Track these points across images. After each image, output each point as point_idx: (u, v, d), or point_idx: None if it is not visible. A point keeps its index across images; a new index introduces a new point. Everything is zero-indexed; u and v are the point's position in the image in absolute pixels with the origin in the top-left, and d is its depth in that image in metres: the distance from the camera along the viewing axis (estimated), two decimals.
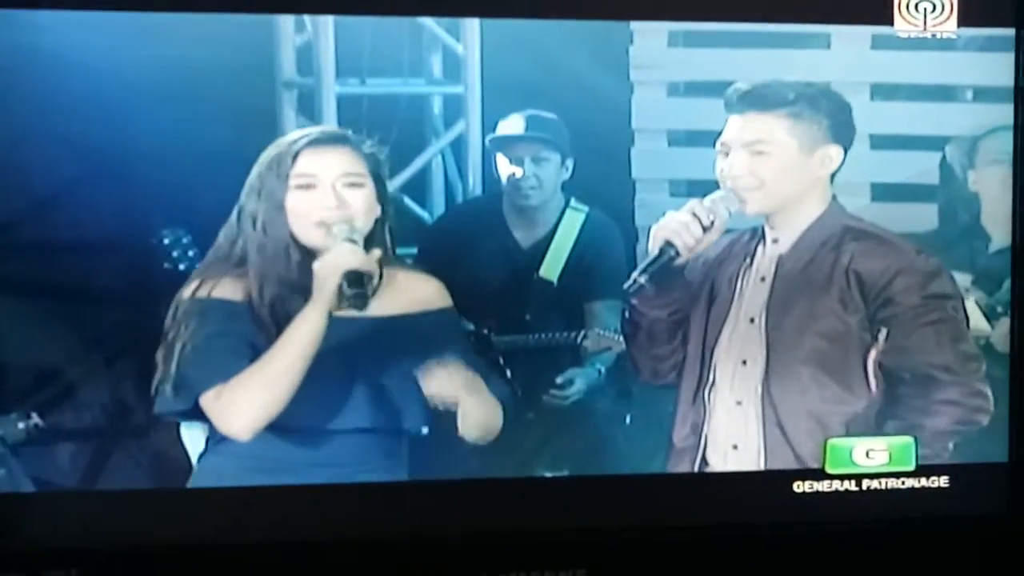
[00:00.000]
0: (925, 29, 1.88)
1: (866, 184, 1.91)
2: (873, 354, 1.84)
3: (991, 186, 1.93)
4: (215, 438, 1.76)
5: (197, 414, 1.74)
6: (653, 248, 1.82)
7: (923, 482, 1.92)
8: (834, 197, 1.86)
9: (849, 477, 1.90)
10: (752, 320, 1.86)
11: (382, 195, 1.78)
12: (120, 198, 1.79)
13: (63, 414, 1.80)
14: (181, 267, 1.84)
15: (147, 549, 1.80)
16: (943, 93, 1.90)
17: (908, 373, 1.84)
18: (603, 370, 1.94)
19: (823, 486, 1.90)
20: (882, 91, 1.89)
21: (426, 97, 1.94)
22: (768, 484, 1.89)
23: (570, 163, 1.94)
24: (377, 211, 1.78)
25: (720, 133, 1.85)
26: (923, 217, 1.92)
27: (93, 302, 1.79)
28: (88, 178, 1.78)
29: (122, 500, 1.81)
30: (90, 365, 1.80)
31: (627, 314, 1.88)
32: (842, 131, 1.84)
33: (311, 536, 1.83)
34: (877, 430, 1.87)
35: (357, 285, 1.69)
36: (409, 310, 1.79)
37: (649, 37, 1.89)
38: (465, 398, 1.76)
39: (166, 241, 1.84)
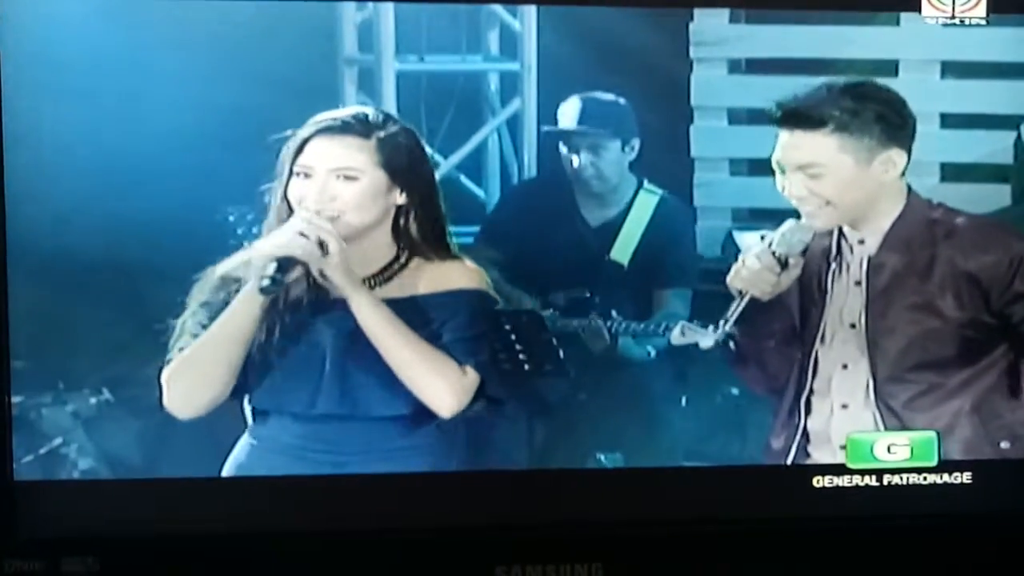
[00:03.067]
0: (954, 16, 1.81)
1: (935, 164, 1.85)
2: None
3: None
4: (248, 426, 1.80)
5: None
6: (734, 295, 1.79)
7: (945, 478, 1.86)
8: (910, 189, 1.80)
9: (870, 472, 1.86)
10: (853, 325, 1.82)
11: (405, 182, 1.76)
12: (186, 176, 1.81)
13: (132, 390, 1.84)
14: (246, 244, 1.88)
15: (168, 538, 1.83)
16: (1018, 70, 1.82)
17: None
18: (653, 352, 1.92)
19: (843, 481, 1.86)
20: (953, 69, 1.82)
21: (483, 74, 1.93)
22: (788, 479, 1.87)
23: (635, 143, 1.91)
24: (395, 199, 1.77)
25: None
26: (995, 197, 1.85)
27: (160, 279, 1.82)
28: (154, 157, 1.81)
29: (142, 488, 1.83)
30: (157, 342, 1.82)
31: (734, 349, 1.84)
32: (898, 129, 1.77)
33: (329, 526, 1.84)
34: None
35: (277, 271, 1.70)
36: (428, 291, 1.78)
37: (710, 14, 1.84)
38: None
39: (231, 218, 1.87)
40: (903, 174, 1.79)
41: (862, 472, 1.86)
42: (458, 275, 1.79)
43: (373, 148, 1.75)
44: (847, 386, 1.83)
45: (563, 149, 1.93)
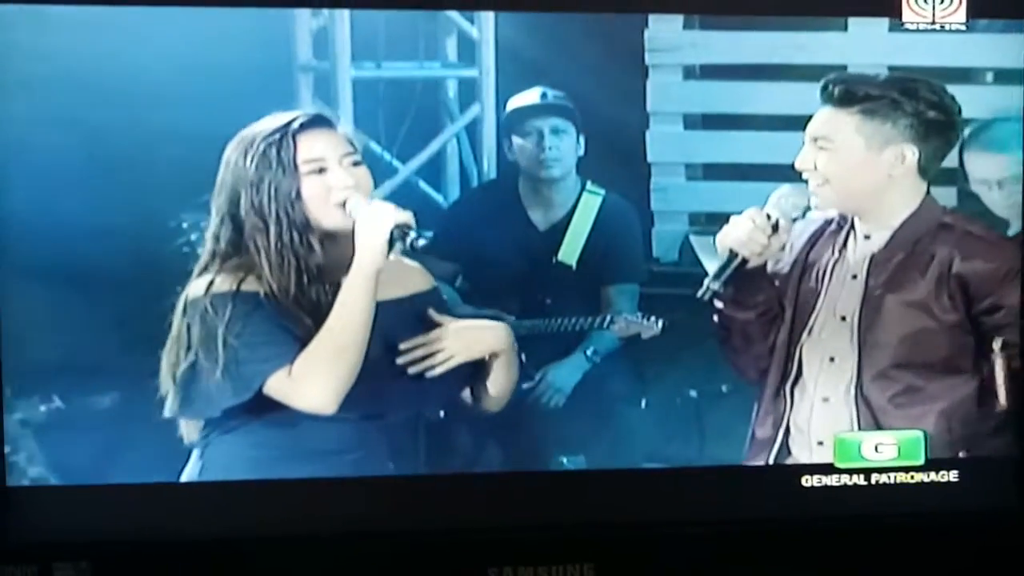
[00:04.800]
0: (934, 21, 1.86)
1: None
2: (998, 364, 1.83)
3: (999, 174, 1.90)
4: (223, 427, 1.74)
5: (255, 405, 1.71)
6: (721, 255, 1.79)
7: (932, 476, 1.90)
8: (928, 192, 1.81)
9: (858, 471, 1.89)
10: (844, 318, 1.83)
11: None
12: (138, 182, 1.80)
13: (85, 398, 1.81)
14: (199, 251, 1.86)
15: (159, 542, 1.81)
16: (962, 75, 1.87)
17: None
18: (595, 354, 1.94)
19: (832, 480, 1.89)
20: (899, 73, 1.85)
21: (441, 81, 1.94)
22: (777, 478, 1.88)
23: (583, 140, 1.93)
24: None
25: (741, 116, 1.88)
26: (942, 199, 1.86)
27: (111, 285, 1.80)
28: (107, 162, 1.79)
29: (134, 493, 1.81)
30: (110, 349, 1.81)
31: (716, 318, 1.84)
32: (930, 130, 1.78)
33: (321, 529, 1.83)
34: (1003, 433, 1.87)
35: (411, 230, 1.68)
36: (407, 292, 1.77)
37: (664, 20, 1.88)
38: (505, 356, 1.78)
39: (184, 225, 1.85)
40: (923, 174, 1.80)
41: (850, 471, 1.89)
42: (413, 275, 1.79)
43: (348, 140, 1.73)
44: (831, 379, 1.84)
45: (522, 134, 1.94)
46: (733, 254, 1.76)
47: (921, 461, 1.88)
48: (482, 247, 1.92)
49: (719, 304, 1.82)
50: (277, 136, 1.68)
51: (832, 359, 1.83)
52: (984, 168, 1.90)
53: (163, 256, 1.81)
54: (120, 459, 1.81)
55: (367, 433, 1.76)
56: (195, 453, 1.77)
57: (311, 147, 1.69)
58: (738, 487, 1.89)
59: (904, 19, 1.86)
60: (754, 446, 1.89)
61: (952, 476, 1.90)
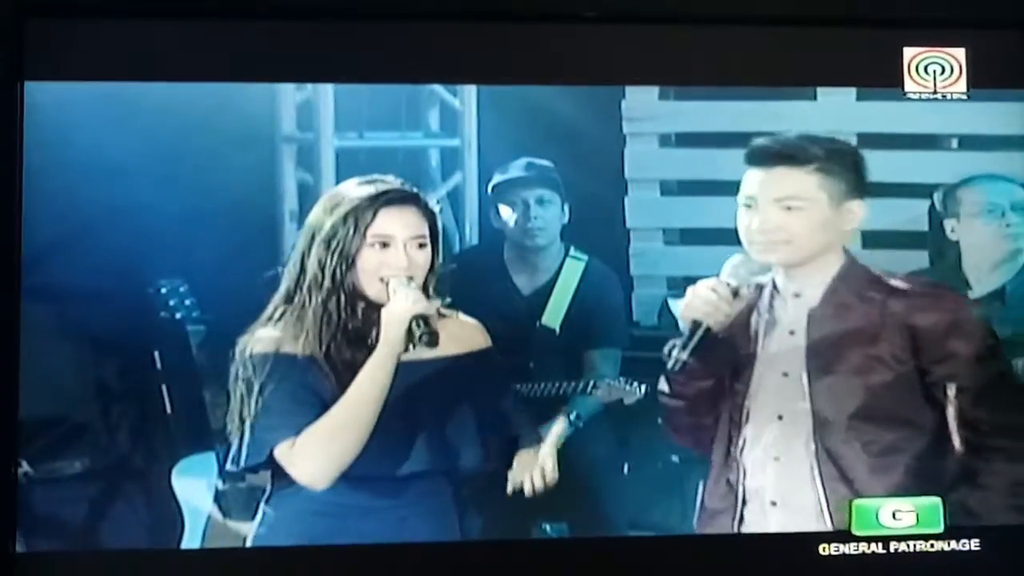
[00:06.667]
0: (935, 91, 1.92)
1: (856, 232, 1.90)
2: (951, 411, 1.82)
3: (970, 234, 1.96)
4: (279, 485, 1.77)
5: (269, 466, 1.76)
6: (685, 327, 1.80)
7: (953, 545, 1.86)
8: (845, 248, 1.85)
9: (876, 539, 1.85)
10: (786, 374, 1.83)
11: (437, 248, 1.80)
12: (118, 248, 1.81)
13: (56, 463, 1.78)
14: (178, 316, 1.86)
15: None
16: (927, 142, 1.94)
17: (985, 426, 1.83)
18: (578, 419, 1.92)
19: (849, 548, 1.84)
20: (868, 140, 1.92)
21: (423, 150, 1.98)
22: (793, 546, 1.84)
23: (567, 208, 1.97)
24: (430, 264, 1.80)
25: (716, 182, 1.90)
26: (913, 262, 1.94)
27: (89, 350, 1.80)
28: (88, 228, 1.80)
29: (113, 560, 1.78)
30: (84, 414, 1.80)
31: (670, 389, 1.85)
32: (861, 185, 1.83)
33: None
34: (959, 482, 1.85)
35: (426, 325, 1.72)
36: (456, 352, 1.81)
37: (641, 91, 1.95)
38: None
39: (163, 291, 1.85)
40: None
41: (868, 539, 1.84)
42: (467, 333, 1.83)
43: (429, 216, 1.79)
44: (782, 438, 1.82)
45: (508, 204, 1.97)
46: (697, 324, 1.79)
47: (941, 529, 1.85)
48: (467, 311, 1.92)
49: (680, 377, 1.83)
50: (364, 204, 1.76)
51: (780, 417, 1.83)
52: (993, 194, 1.95)
53: (141, 321, 1.83)
54: (103, 523, 1.79)
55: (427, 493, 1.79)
56: (261, 506, 1.79)
57: (386, 223, 1.76)
58: (753, 555, 1.85)
59: (906, 90, 1.93)
60: (704, 517, 1.86)
61: (974, 544, 1.86)
